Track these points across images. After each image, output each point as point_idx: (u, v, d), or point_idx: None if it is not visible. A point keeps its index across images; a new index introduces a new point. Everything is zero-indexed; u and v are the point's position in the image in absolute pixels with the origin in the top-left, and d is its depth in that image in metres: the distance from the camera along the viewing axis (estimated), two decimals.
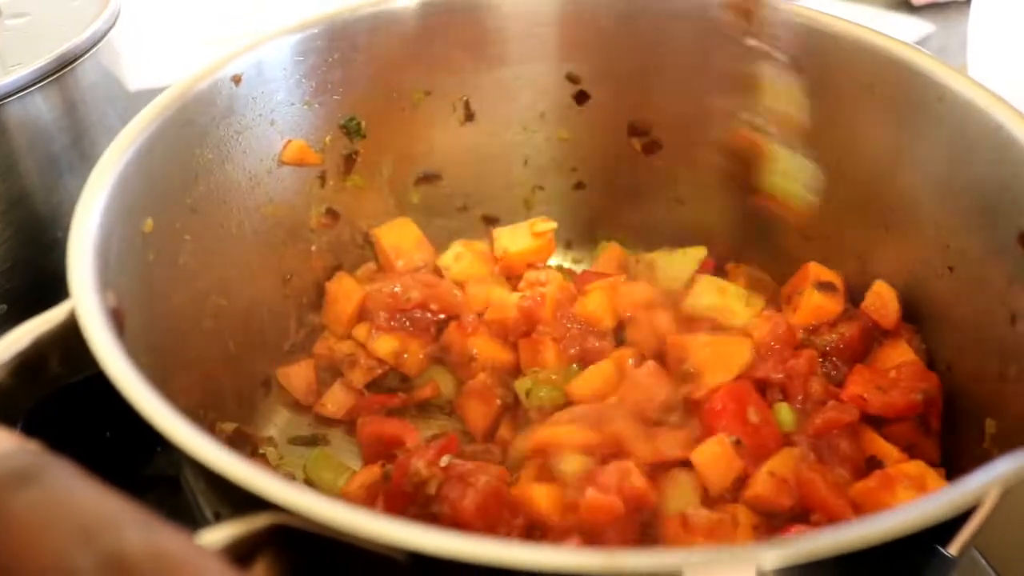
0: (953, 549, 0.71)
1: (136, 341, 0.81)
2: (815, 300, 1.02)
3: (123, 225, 0.84)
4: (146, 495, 1.12)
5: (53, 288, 1.11)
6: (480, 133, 1.20)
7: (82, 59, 1.08)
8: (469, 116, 1.19)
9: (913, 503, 0.60)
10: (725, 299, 1.04)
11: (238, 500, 0.61)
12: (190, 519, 1.07)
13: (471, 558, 0.53)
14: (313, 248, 1.15)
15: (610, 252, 1.20)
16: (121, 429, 1.17)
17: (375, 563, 0.58)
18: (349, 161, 1.14)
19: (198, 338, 1.00)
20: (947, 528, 0.63)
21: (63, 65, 1.06)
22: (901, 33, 1.73)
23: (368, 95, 1.12)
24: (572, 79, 1.18)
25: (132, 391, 0.65)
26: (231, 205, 1.04)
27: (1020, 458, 0.62)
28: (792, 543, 0.57)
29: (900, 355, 0.99)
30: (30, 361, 0.74)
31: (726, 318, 1.02)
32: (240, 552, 0.60)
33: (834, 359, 1.00)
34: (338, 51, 1.08)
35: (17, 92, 1.02)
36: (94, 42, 1.09)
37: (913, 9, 1.84)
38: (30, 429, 0.77)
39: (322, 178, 1.13)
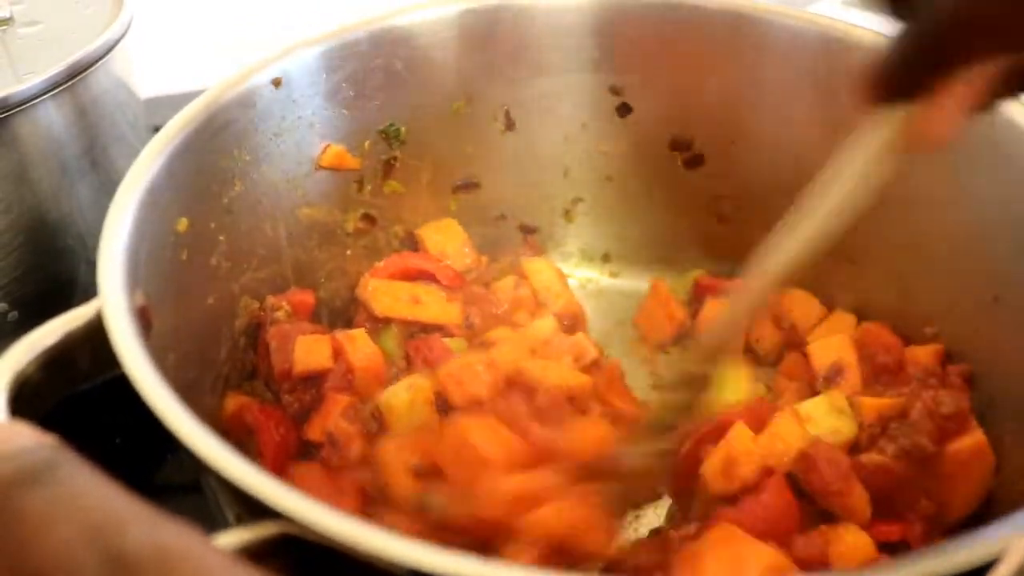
0: None
1: (164, 340, 0.82)
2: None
3: (156, 224, 0.85)
4: (157, 501, 1.14)
5: (64, 295, 1.13)
6: (520, 143, 1.19)
7: (94, 67, 1.08)
8: (510, 125, 1.18)
9: (948, 546, 0.58)
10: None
11: (251, 507, 0.61)
12: (200, 524, 1.08)
13: None
14: (348, 252, 1.15)
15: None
16: (133, 435, 1.19)
17: None
18: (388, 167, 1.14)
19: (229, 340, 1.00)
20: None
21: (75, 73, 1.05)
22: None
23: (408, 101, 1.12)
24: (615, 91, 1.17)
25: (150, 392, 0.66)
26: (266, 207, 1.04)
27: None
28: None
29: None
30: (58, 357, 0.75)
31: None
32: (249, 557, 0.60)
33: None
34: (379, 57, 1.08)
35: (29, 101, 1.02)
36: (106, 50, 1.09)
37: None
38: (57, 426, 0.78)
39: (359, 183, 1.13)
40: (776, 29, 1.06)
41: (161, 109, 0.93)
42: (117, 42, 1.11)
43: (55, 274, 1.11)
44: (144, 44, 1.18)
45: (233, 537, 0.60)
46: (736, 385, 1.04)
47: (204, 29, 1.75)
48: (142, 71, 1.23)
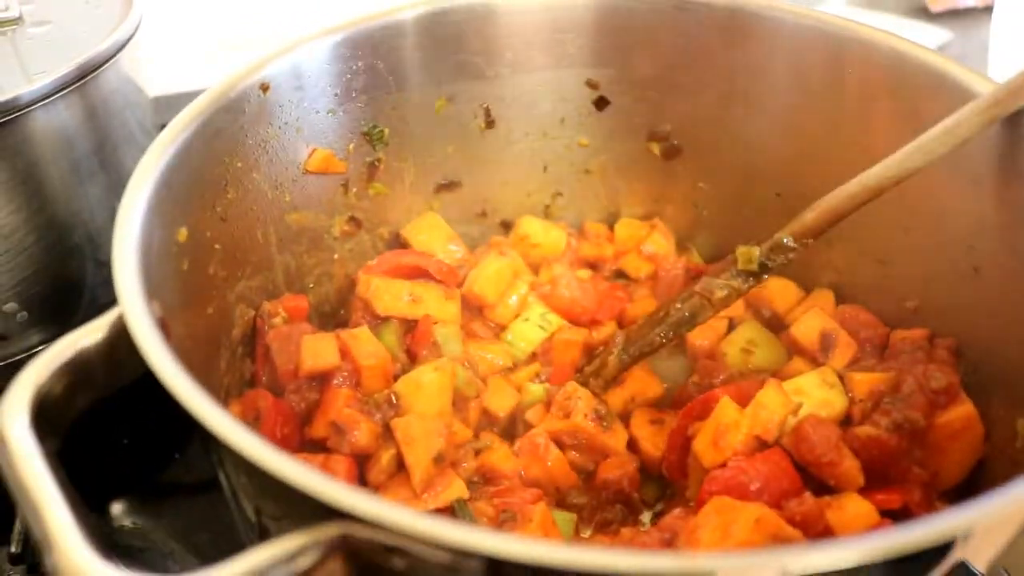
0: (980, 563, 0.71)
1: (176, 351, 0.81)
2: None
3: (161, 234, 0.84)
4: (164, 501, 1.13)
5: (73, 294, 1.12)
6: (500, 140, 1.21)
7: (104, 67, 1.07)
8: (489, 123, 1.19)
9: (942, 515, 0.60)
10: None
11: (298, 506, 0.61)
12: (207, 525, 1.08)
13: (554, 563, 0.53)
14: (335, 256, 1.15)
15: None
16: (140, 436, 1.17)
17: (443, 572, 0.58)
18: (372, 169, 1.14)
19: (228, 350, 0.99)
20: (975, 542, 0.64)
21: (85, 73, 1.05)
22: (919, 40, 1.75)
23: (390, 102, 1.13)
24: (591, 85, 1.19)
25: (194, 402, 0.65)
26: (257, 213, 1.03)
27: None
28: (820, 550, 0.57)
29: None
30: (78, 371, 0.74)
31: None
32: (309, 561, 0.60)
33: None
34: (361, 59, 1.08)
35: (40, 101, 1.01)
36: (116, 50, 1.08)
37: (931, 16, 1.86)
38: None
39: (345, 186, 1.13)
40: (755, 20, 1.08)
41: (170, 107, 0.92)
42: (126, 42, 1.10)
43: (64, 274, 1.09)
44: (153, 43, 1.16)
45: (290, 543, 0.60)
46: (770, 352, 1.09)
47: (212, 27, 1.73)
48: (151, 70, 1.22)
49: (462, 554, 0.56)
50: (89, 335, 0.74)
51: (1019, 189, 0.91)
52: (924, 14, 1.86)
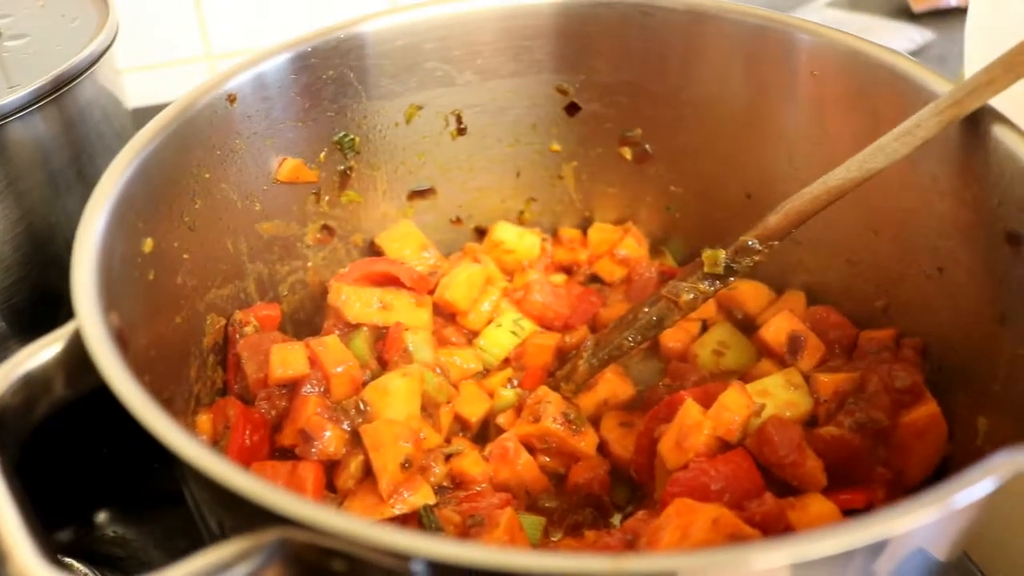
0: (941, 554, 0.72)
1: (139, 361, 0.82)
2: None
3: (124, 245, 0.85)
4: (146, 510, 1.14)
5: (52, 305, 1.13)
6: (472, 146, 1.22)
7: (80, 78, 1.09)
8: (461, 130, 1.20)
9: (901, 505, 0.61)
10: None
11: (246, 514, 0.62)
12: (187, 534, 1.09)
13: (485, 565, 0.54)
14: (309, 264, 1.16)
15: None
16: (120, 446, 1.19)
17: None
18: (344, 177, 1.15)
19: (198, 358, 1.00)
20: (938, 530, 0.65)
21: (61, 85, 1.07)
22: (901, 41, 1.75)
23: (361, 111, 1.14)
24: (562, 91, 1.20)
25: (142, 411, 0.66)
26: (227, 223, 1.05)
27: (1000, 460, 0.63)
28: (785, 545, 0.58)
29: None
30: (35, 382, 0.75)
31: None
32: (249, 567, 0.60)
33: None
34: (331, 68, 1.09)
35: (16, 112, 1.03)
36: (92, 61, 1.10)
37: (914, 17, 1.86)
38: (30, 445, 0.78)
39: (317, 195, 1.14)
40: (715, 23, 1.09)
41: (149, 119, 0.93)
42: (102, 54, 1.12)
43: (43, 285, 1.10)
44: (132, 55, 1.17)
45: (230, 548, 0.61)
46: (742, 354, 1.10)
47: (191, 39, 1.75)
48: (129, 82, 1.23)
49: (398, 557, 0.57)
50: (47, 347, 0.75)
51: (978, 190, 0.91)
52: (906, 14, 1.86)
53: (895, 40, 1.76)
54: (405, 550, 0.56)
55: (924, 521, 0.61)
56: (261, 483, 0.60)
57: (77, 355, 0.74)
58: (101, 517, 1.15)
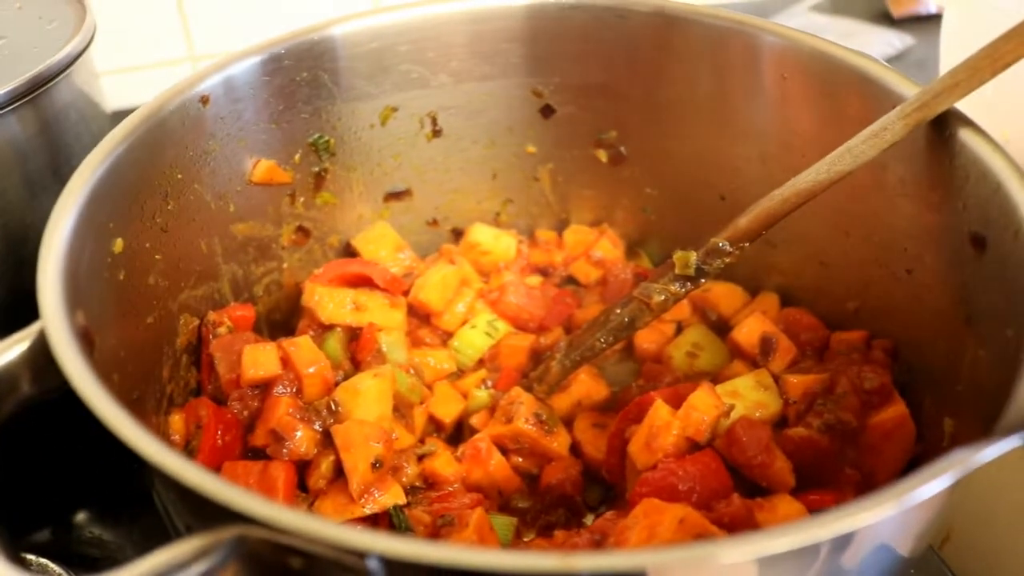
0: (904, 549, 0.73)
1: (107, 361, 0.83)
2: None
3: (93, 245, 0.86)
4: (124, 512, 1.14)
5: (28, 307, 1.12)
6: (448, 148, 1.22)
7: (57, 80, 1.09)
8: (437, 132, 1.21)
9: (863, 501, 0.62)
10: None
11: (206, 513, 0.62)
12: (165, 535, 1.09)
13: (437, 562, 0.54)
14: (285, 265, 1.16)
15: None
16: (98, 447, 1.19)
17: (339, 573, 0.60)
18: (319, 179, 1.16)
19: (171, 359, 1.01)
20: (898, 526, 0.65)
21: (37, 86, 1.07)
22: (882, 46, 1.76)
23: (336, 113, 1.14)
24: (537, 94, 1.20)
25: (103, 409, 0.66)
26: (200, 224, 1.05)
27: (960, 455, 0.64)
28: (749, 541, 0.58)
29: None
30: (1, 381, 0.75)
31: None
32: (207, 564, 0.61)
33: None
34: (305, 70, 1.09)
35: None
36: (68, 63, 1.10)
37: (894, 22, 1.87)
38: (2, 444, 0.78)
39: (292, 196, 1.14)
40: (686, 26, 1.10)
41: None
42: (79, 55, 1.12)
43: (17, 287, 1.09)
44: (111, 57, 1.17)
45: (189, 545, 0.61)
46: (715, 355, 1.11)
47: (170, 41, 1.75)
48: (108, 84, 1.23)
49: (353, 553, 0.57)
50: (13, 346, 0.76)
51: (943, 192, 0.92)
52: (887, 20, 1.87)
53: (875, 45, 1.78)
54: (359, 547, 0.56)
55: (884, 516, 0.61)
56: (218, 480, 0.60)
57: (43, 354, 0.74)
58: (79, 518, 1.15)
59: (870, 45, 1.76)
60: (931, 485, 0.63)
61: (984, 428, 0.83)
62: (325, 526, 0.57)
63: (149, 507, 1.20)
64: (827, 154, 0.95)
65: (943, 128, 0.91)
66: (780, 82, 1.06)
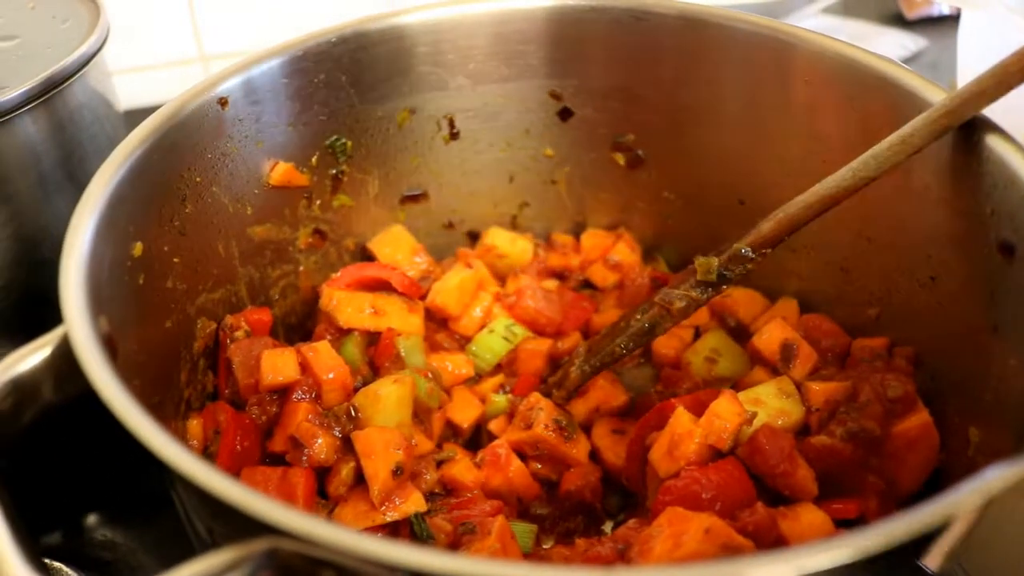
0: (933, 564, 0.72)
1: (128, 366, 0.82)
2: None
3: (113, 249, 0.85)
4: (136, 515, 1.14)
5: (42, 308, 1.11)
6: (465, 151, 1.21)
7: (70, 80, 1.08)
8: (454, 134, 1.20)
9: (894, 518, 0.61)
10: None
11: (234, 521, 0.62)
12: (177, 538, 1.08)
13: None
14: (301, 268, 1.15)
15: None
16: (111, 450, 1.18)
17: None
18: (336, 181, 1.15)
19: (188, 363, 1.00)
20: (926, 542, 0.65)
21: (51, 87, 1.06)
22: (895, 47, 1.75)
23: (353, 115, 1.13)
24: (555, 96, 1.19)
25: (131, 418, 0.65)
26: (218, 227, 1.04)
27: (996, 472, 0.63)
28: (778, 559, 0.58)
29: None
30: (23, 387, 0.74)
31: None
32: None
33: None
34: (323, 72, 1.09)
35: (6, 114, 1.03)
36: (82, 63, 1.09)
37: (907, 24, 1.86)
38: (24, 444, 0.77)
39: (309, 199, 1.13)
40: (709, 29, 1.09)
41: (142, 121, 0.92)
42: (93, 56, 1.11)
43: (33, 288, 1.10)
44: (125, 57, 1.16)
45: (221, 557, 0.60)
46: (734, 361, 1.10)
47: (183, 40, 1.74)
48: (123, 84, 1.22)
49: (387, 568, 0.57)
50: (35, 352, 0.75)
51: (970, 199, 0.91)
52: (899, 21, 1.86)
53: (888, 47, 1.77)
54: (394, 561, 0.55)
55: (919, 533, 0.61)
56: (251, 493, 0.59)
57: (66, 360, 0.74)
58: (91, 520, 1.15)
59: (882, 47, 1.75)
60: (970, 499, 0.62)
61: (1015, 438, 0.83)
62: (362, 540, 0.56)
63: (162, 509, 1.20)
64: (850, 159, 0.94)
65: (970, 134, 0.90)
66: (803, 86, 1.05)
